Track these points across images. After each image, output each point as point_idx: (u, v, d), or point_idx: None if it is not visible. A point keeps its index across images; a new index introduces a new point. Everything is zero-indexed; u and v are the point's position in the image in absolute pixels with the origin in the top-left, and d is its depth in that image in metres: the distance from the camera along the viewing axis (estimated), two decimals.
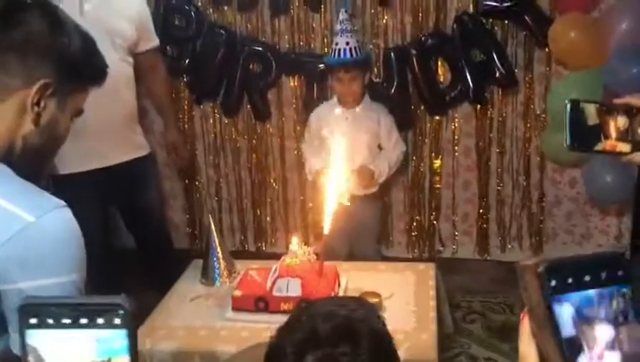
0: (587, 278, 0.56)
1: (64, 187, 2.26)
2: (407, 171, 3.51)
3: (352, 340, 0.97)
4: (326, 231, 2.08)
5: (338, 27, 2.79)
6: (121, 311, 0.62)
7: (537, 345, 0.59)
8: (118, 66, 2.44)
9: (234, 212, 3.77)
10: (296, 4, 3.37)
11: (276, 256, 2.16)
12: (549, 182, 3.46)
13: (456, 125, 3.45)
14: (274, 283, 1.97)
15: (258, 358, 1.03)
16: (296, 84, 3.49)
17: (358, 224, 2.83)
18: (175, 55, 3.48)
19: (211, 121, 3.64)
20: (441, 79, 3.36)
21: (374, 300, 1.90)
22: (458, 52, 3.24)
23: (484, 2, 3.15)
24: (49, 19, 1.04)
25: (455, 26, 3.23)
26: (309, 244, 2.20)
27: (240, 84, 3.46)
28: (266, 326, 1.85)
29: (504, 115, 3.39)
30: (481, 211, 3.55)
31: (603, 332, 0.56)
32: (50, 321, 0.62)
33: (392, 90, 3.29)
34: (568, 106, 1.08)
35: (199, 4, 3.43)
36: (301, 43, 3.42)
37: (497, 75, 3.22)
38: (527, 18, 3.15)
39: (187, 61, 3.47)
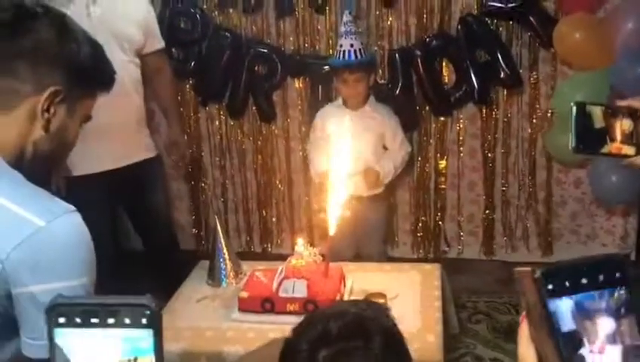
0: (584, 281, 0.57)
1: (75, 189, 2.31)
2: (413, 172, 3.52)
3: (364, 335, 0.99)
4: (331, 232, 2.08)
5: (343, 29, 2.79)
6: (148, 311, 0.63)
7: (536, 347, 0.59)
8: (127, 69, 2.47)
9: (240, 213, 3.78)
10: (301, 6, 3.38)
11: (282, 257, 2.17)
12: (554, 182, 3.46)
13: (462, 126, 3.45)
14: (280, 284, 1.98)
15: (272, 357, 1.05)
16: (301, 85, 3.50)
17: (364, 225, 2.84)
18: (181, 57, 3.49)
19: (217, 122, 3.65)
20: (446, 80, 3.36)
21: (380, 301, 1.91)
22: (463, 53, 3.24)
23: (489, 3, 3.15)
24: (57, 27, 1.06)
25: (460, 27, 3.23)
26: (315, 245, 2.22)
27: (245, 85, 3.46)
28: (272, 327, 1.88)
29: (509, 115, 3.39)
30: (486, 212, 3.55)
31: (604, 325, 0.56)
32: (79, 320, 0.64)
33: (397, 91, 3.29)
34: (574, 109, 1.08)
35: (205, 6, 3.44)
36: (306, 45, 3.42)
37: (502, 75, 3.21)
38: (532, 19, 3.15)
39: (193, 63, 3.48)
